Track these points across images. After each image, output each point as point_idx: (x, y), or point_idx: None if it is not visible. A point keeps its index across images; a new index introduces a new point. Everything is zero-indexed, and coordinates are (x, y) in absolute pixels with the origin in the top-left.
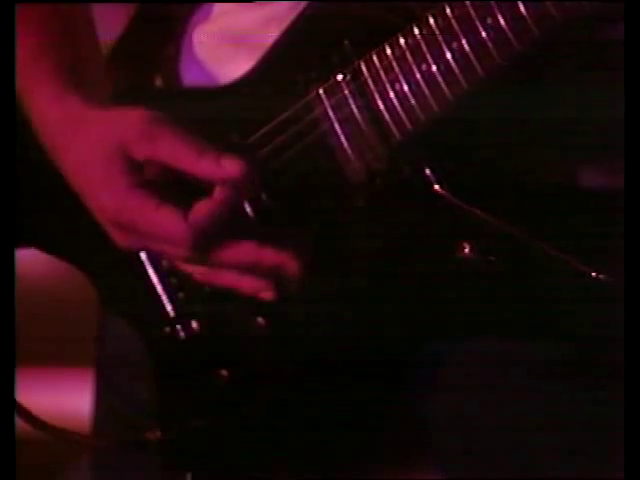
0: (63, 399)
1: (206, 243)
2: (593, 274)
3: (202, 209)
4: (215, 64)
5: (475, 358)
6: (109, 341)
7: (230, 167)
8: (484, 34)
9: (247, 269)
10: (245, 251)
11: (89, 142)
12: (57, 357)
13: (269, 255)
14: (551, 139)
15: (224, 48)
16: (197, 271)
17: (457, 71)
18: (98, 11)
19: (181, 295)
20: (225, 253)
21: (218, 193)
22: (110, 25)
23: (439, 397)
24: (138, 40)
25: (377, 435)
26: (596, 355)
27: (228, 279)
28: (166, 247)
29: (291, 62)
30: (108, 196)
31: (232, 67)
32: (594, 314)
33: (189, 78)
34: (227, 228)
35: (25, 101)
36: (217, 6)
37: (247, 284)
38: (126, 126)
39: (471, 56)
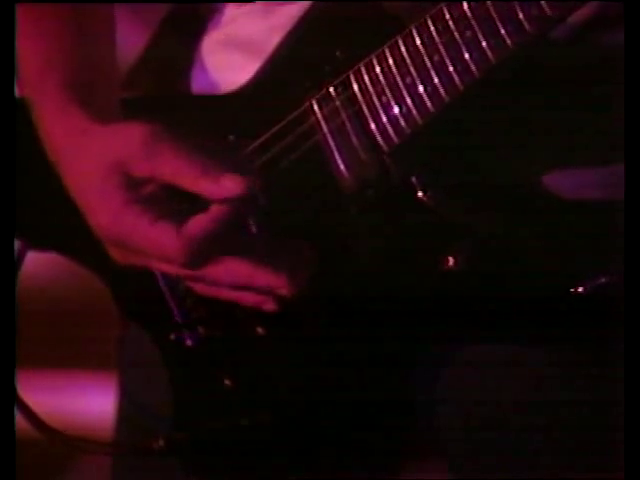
0: (64, 401)
1: (200, 260)
2: (584, 284)
3: (197, 224)
4: (220, 71)
5: (471, 363)
6: (129, 343)
7: (230, 186)
8: (464, 48)
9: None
10: (238, 271)
11: (89, 157)
12: (58, 358)
13: (262, 277)
14: (539, 147)
15: (229, 55)
16: (197, 286)
17: (439, 85)
18: (119, 27)
19: (189, 301)
20: (218, 271)
21: (215, 209)
22: (130, 42)
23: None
24: (164, 48)
25: (379, 440)
26: (595, 356)
27: (228, 293)
28: (160, 264)
29: (287, 72)
30: (103, 212)
31: (236, 75)
32: (590, 319)
33: (196, 85)
34: (222, 245)
35: (35, 113)
36: (226, 14)
37: (248, 298)
38: (127, 142)
39: (451, 69)
